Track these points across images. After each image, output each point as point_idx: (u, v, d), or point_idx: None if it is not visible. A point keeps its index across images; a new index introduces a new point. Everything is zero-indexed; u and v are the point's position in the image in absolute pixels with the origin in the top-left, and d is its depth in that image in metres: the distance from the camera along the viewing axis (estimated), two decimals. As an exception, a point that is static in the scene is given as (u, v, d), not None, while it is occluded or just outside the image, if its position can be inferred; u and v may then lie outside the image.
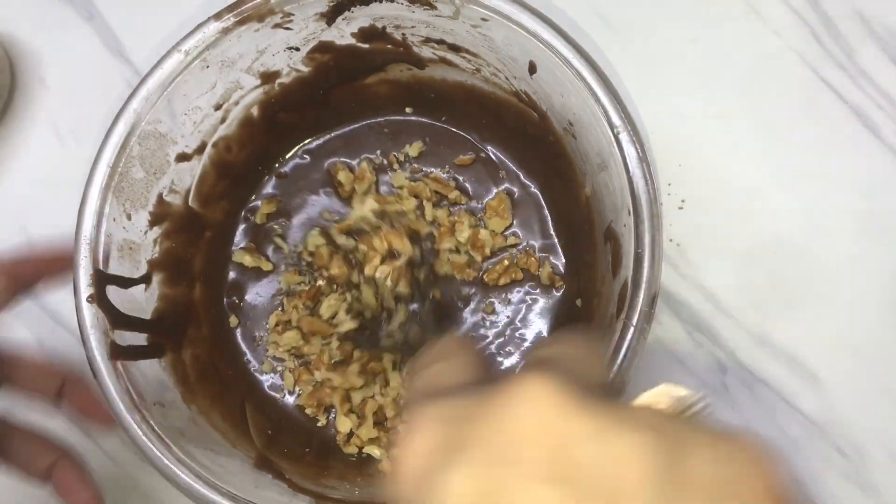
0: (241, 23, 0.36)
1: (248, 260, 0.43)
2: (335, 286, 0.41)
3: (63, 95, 0.48)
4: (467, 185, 0.44)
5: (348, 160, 0.44)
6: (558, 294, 0.42)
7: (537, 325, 0.42)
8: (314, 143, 0.44)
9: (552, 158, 0.40)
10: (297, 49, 0.39)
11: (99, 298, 0.34)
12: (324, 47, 0.39)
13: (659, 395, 0.23)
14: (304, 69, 0.40)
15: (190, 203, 0.40)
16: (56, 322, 0.45)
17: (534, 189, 0.43)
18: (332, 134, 0.44)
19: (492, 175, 0.43)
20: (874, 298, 0.43)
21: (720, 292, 0.43)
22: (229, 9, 0.35)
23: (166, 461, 0.33)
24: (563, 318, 0.42)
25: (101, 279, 0.35)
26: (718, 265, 0.44)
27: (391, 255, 0.40)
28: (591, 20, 0.46)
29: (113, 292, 0.35)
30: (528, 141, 0.41)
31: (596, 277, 0.39)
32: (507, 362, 0.42)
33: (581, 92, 0.34)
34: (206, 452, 0.35)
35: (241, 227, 0.44)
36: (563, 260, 0.42)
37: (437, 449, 0.20)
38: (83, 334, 0.34)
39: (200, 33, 0.35)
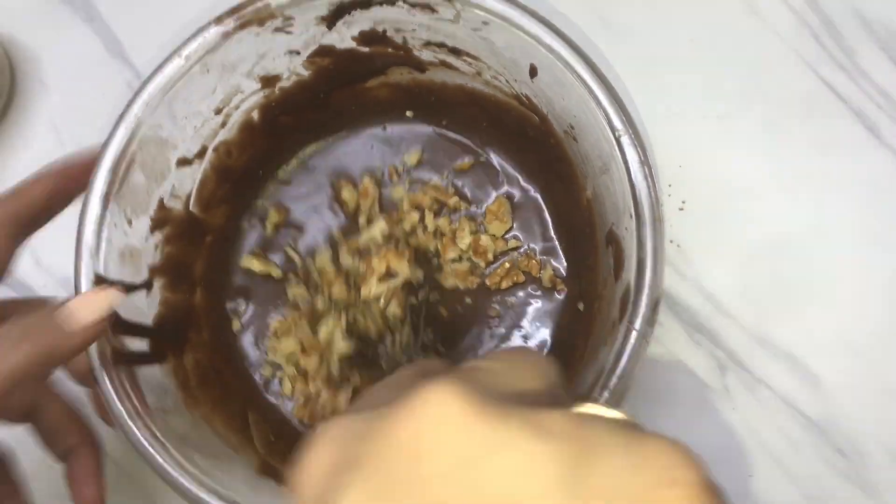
0: (241, 27, 0.35)
1: (256, 265, 0.43)
2: (333, 308, 0.41)
3: (63, 96, 0.48)
4: (466, 190, 0.44)
5: (350, 174, 0.44)
6: (560, 297, 0.42)
7: (541, 328, 0.42)
8: (315, 148, 0.44)
9: (553, 161, 0.40)
10: (298, 53, 0.39)
11: (100, 304, 0.34)
12: (324, 51, 0.39)
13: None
14: (305, 73, 0.40)
15: (191, 208, 0.40)
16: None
17: (534, 192, 0.43)
18: (332, 138, 0.44)
19: (491, 179, 0.43)
20: (874, 298, 0.43)
21: (720, 293, 0.43)
22: (230, 12, 0.35)
23: (169, 468, 0.33)
24: (565, 322, 0.42)
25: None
26: (718, 265, 0.44)
27: (389, 274, 0.40)
28: (591, 21, 0.45)
29: (115, 298, 0.35)
30: (528, 144, 0.41)
31: (598, 280, 0.39)
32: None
33: (582, 95, 0.34)
34: (209, 458, 0.35)
35: (250, 233, 0.44)
36: (565, 263, 0.42)
37: (333, 469, 0.20)
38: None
39: (201, 38, 0.35)
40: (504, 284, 0.42)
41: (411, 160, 0.44)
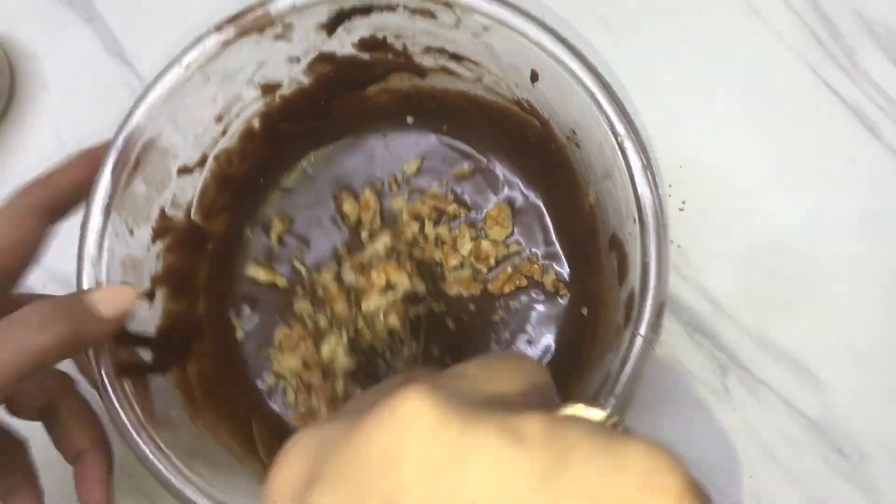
0: (241, 35, 0.35)
1: (262, 275, 0.43)
2: (335, 326, 0.41)
3: (63, 98, 0.48)
4: (466, 196, 0.43)
5: (351, 183, 0.44)
6: (563, 301, 0.42)
7: (545, 333, 0.42)
8: (316, 156, 0.44)
9: (554, 167, 0.40)
10: (298, 60, 0.38)
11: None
12: (324, 58, 0.39)
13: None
14: (305, 80, 0.40)
15: (192, 216, 0.40)
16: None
17: (535, 197, 0.43)
18: (333, 146, 0.44)
19: (491, 185, 0.43)
20: (875, 299, 0.43)
21: (720, 293, 0.44)
22: (230, 20, 0.35)
23: (174, 480, 0.32)
24: (569, 327, 0.42)
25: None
26: (719, 266, 0.44)
27: (388, 287, 0.40)
28: (591, 22, 0.45)
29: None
30: (529, 150, 0.41)
31: (601, 285, 0.39)
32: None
33: (584, 100, 0.34)
34: (213, 469, 0.35)
35: (253, 242, 0.44)
36: (567, 268, 0.42)
37: (304, 479, 0.19)
38: (87, 351, 0.34)
39: (201, 46, 0.35)
40: (507, 289, 0.42)
41: (411, 168, 0.44)
